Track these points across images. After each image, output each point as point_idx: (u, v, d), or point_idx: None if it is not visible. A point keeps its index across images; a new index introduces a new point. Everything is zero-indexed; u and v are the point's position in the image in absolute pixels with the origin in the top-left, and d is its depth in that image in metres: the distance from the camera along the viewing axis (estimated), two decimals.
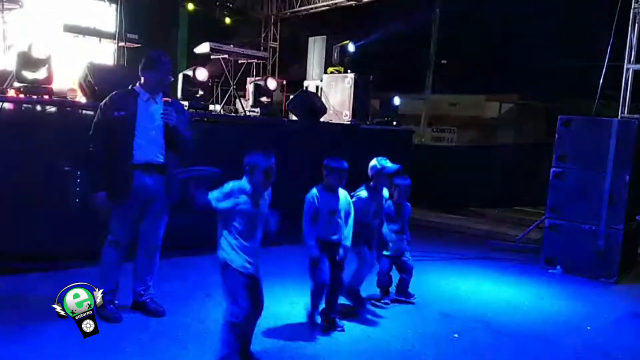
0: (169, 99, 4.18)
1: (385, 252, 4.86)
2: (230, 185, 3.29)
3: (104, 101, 4.08)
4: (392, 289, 4.98)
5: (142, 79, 4.08)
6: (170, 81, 4.28)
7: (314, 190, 4.07)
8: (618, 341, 4.40)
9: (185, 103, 6.82)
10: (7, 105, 4.85)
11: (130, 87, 4.12)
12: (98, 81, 5.47)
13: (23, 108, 4.92)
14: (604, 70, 7.00)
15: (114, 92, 4.09)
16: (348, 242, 4.15)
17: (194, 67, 7.28)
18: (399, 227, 4.84)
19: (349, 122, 8.41)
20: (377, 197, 4.58)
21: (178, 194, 4.14)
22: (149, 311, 4.17)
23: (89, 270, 4.41)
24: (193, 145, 4.24)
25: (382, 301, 4.87)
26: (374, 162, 4.53)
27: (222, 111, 8.31)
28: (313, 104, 7.88)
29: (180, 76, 7.28)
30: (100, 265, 4.11)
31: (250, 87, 8.77)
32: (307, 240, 4.04)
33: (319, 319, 4.22)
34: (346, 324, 4.26)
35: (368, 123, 8.86)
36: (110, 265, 4.09)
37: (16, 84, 5.14)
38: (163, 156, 4.07)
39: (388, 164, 4.51)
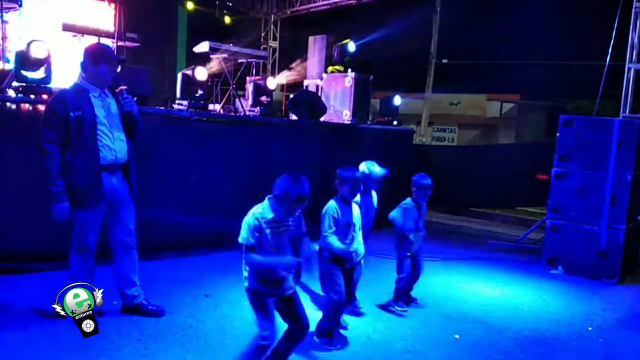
0: (125, 87, 3.96)
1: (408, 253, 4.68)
2: (253, 222, 2.99)
3: (52, 102, 3.80)
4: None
5: (89, 73, 3.86)
6: (117, 71, 4.08)
7: (334, 204, 3.94)
8: (620, 342, 4.38)
9: (185, 102, 6.80)
10: (6, 105, 4.82)
11: (75, 84, 3.89)
12: None
13: (22, 107, 4.89)
14: (605, 69, 6.97)
15: (61, 91, 3.88)
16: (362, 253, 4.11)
17: (193, 67, 7.25)
18: (418, 226, 4.71)
19: (349, 122, 8.38)
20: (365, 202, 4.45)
21: (136, 192, 4.07)
22: (147, 312, 4.13)
23: None
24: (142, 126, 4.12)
25: (401, 309, 4.65)
26: (362, 166, 4.44)
27: (221, 111, 8.29)
28: (313, 104, 7.84)
29: (180, 75, 7.25)
30: (72, 275, 3.85)
31: (249, 87, 8.74)
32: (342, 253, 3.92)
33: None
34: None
35: (368, 123, 8.83)
36: (83, 274, 3.85)
37: (15, 84, 5.11)
38: (127, 152, 3.97)
39: (376, 168, 4.46)
